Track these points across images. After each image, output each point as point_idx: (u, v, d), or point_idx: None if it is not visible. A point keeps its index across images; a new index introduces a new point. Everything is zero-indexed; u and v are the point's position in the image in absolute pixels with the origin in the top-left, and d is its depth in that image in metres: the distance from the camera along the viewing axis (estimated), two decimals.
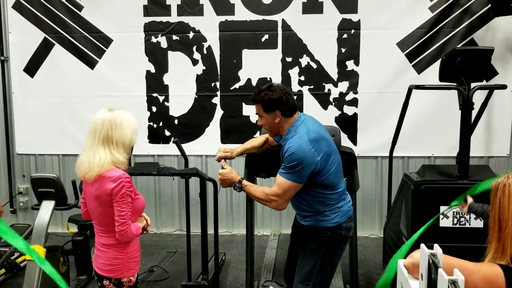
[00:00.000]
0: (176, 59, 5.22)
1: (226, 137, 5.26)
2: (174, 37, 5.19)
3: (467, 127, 3.52)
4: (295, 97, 2.66)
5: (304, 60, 5.10)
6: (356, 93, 5.09)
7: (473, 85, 3.49)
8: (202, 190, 3.58)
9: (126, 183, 2.15)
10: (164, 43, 5.21)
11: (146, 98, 5.30)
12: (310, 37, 5.07)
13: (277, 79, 5.08)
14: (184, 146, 4.05)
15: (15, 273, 4.06)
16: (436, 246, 1.28)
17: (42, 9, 5.25)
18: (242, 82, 5.19)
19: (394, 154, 4.36)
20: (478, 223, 3.26)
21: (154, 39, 5.21)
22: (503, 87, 3.80)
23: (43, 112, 5.38)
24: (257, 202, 2.67)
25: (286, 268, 3.12)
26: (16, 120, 5.47)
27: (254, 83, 5.15)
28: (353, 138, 5.16)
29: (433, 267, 1.22)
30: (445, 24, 4.92)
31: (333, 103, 5.13)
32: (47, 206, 3.36)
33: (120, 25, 5.19)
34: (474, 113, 3.71)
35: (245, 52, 5.15)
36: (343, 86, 5.10)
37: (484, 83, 4.26)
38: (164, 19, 5.17)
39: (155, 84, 5.28)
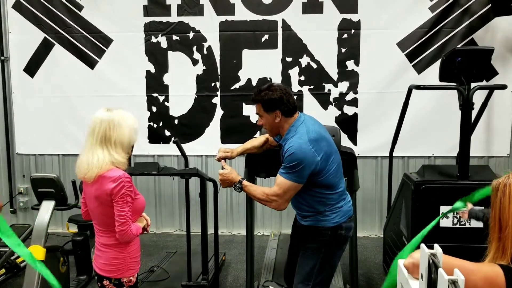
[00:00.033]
0: (176, 59, 5.22)
1: (226, 137, 5.26)
2: (174, 37, 5.19)
3: (467, 127, 3.52)
4: (295, 97, 2.66)
5: (304, 60, 5.10)
6: (356, 93, 5.09)
7: (473, 85, 3.49)
8: (202, 190, 3.58)
9: (126, 183, 2.15)
10: (164, 43, 5.21)
11: (146, 98, 5.30)
12: (310, 37, 5.07)
13: (277, 79, 5.08)
14: (184, 146, 4.05)
15: (15, 273, 4.06)
16: (436, 246, 1.28)
17: (42, 9, 5.25)
18: (242, 82, 5.19)
19: (394, 154, 4.36)
20: (478, 223, 3.26)
21: (154, 39, 5.21)
22: (503, 87, 3.80)
23: (43, 112, 5.38)
24: (258, 202, 2.67)
25: (286, 268, 3.12)
26: (16, 120, 5.48)
27: (254, 83, 5.15)
28: (353, 138, 5.16)
29: (433, 267, 1.22)
30: (445, 24, 4.92)
31: (333, 103, 5.13)
32: (47, 206, 3.36)
33: (120, 25, 5.19)
34: (474, 113, 3.71)
35: (245, 52, 5.15)
36: (343, 86, 5.10)
37: (484, 83, 4.26)
38: (164, 19, 5.17)
39: (155, 84, 5.28)
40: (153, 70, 5.26)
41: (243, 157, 3.24)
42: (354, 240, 3.26)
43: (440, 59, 3.73)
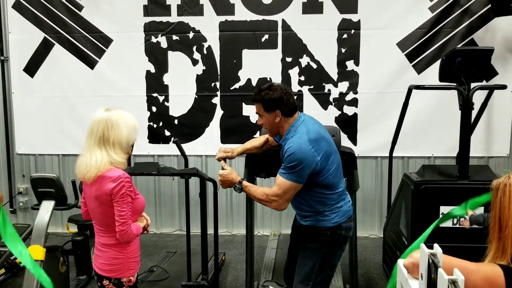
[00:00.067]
0: (176, 59, 5.22)
1: (226, 137, 5.26)
2: (174, 37, 5.19)
3: (467, 127, 3.52)
4: (295, 97, 2.66)
5: (304, 60, 5.10)
6: (356, 93, 5.09)
7: (473, 85, 3.50)
8: (202, 190, 3.58)
9: (126, 183, 2.15)
10: (164, 43, 5.21)
11: (146, 98, 5.30)
12: (310, 37, 5.07)
13: (277, 79, 5.08)
14: (184, 146, 4.05)
15: (15, 273, 4.06)
16: (436, 246, 1.28)
17: (42, 9, 5.25)
18: (242, 82, 5.19)
19: (394, 154, 4.37)
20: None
21: (154, 39, 5.21)
22: (503, 87, 3.80)
23: (43, 112, 5.38)
24: (258, 202, 2.67)
25: (286, 268, 3.12)
26: (16, 120, 5.47)
27: (254, 83, 5.15)
28: (353, 138, 5.16)
29: (433, 267, 1.22)
30: (445, 24, 4.92)
31: (333, 103, 5.13)
32: (47, 206, 3.36)
33: (120, 25, 5.19)
34: (474, 113, 3.71)
35: (245, 52, 5.15)
36: (343, 86, 5.10)
37: (484, 83, 4.26)
38: (164, 19, 5.17)
39: (155, 84, 5.28)
40: (153, 70, 5.26)
41: (243, 157, 3.24)
42: (354, 240, 3.26)
43: (440, 59, 3.73)
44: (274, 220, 5.40)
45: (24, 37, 5.32)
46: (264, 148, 2.99)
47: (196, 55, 5.20)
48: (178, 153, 4.06)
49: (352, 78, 5.08)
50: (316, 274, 2.61)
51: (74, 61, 5.28)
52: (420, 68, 4.99)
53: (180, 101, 5.28)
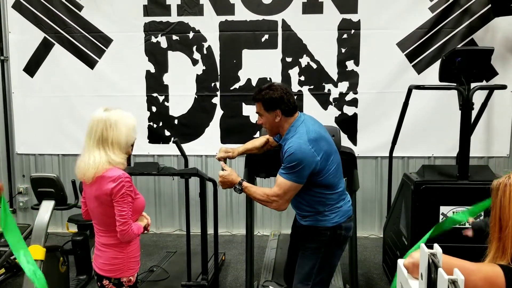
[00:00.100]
0: (176, 59, 5.22)
1: (226, 137, 5.26)
2: (174, 37, 5.19)
3: (467, 127, 3.52)
4: (295, 97, 2.66)
5: (304, 60, 5.10)
6: (356, 93, 5.09)
7: (473, 85, 3.49)
8: (202, 190, 3.58)
9: (126, 183, 2.15)
10: (164, 43, 5.21)
11: (146, 98, 5.30)
12: (310, 37, 5.07)
13: (277, 79, 5.08)
14: (184, 146, 4.04)
15: (14, 272, 4.06)
16: (436, 245, 1.28)
17: (42, 8, 5.25)
18: (242, 82, 5.19)
19: (394, 154, 4.37)
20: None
21: (154, 39, 5.21)
22: (503, 87, 3.80)
23: (43, 112, 5.38)
24: (258, 203, 2.67)
25: (285, 268, 3.12)
26: (16, 120, 5.47)
27: (254, 83, 5.15)
28: (353, 138, 5.16)
29: (433, 266, 1.22)
30: (445, 24, 4.92)
31: (333, 103, 5.13)
32: (47, 206, 3.36)
33: (120, 25, 5.19)
34: (474, 113, 3.71)
35: (245, 52, 5.15)
36: (343, 86, 5.10)
37: (484, 83, 4.26)
38: (164, 19, 5.17)
39: (155, 84, 5.28)
40: (153, 70, 5.26)
41: (243, 157, 3.25)
42: (354, 240, 3.26)
43: (440, 59, 3.73)
44: (274, 220, 5.40)
45: (24, 37, 5.32)
46: (264, 148, 3.00)
47: (196, 55, 5.20)
48: (178, 153, 4.06)
49: (352, 78, 5.08)
50: (316, 274, 2.61)
51: (74, 61, 5.28)
52: (420, 68, 4.99)
53: (180, 101, 5.28)
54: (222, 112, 5.25)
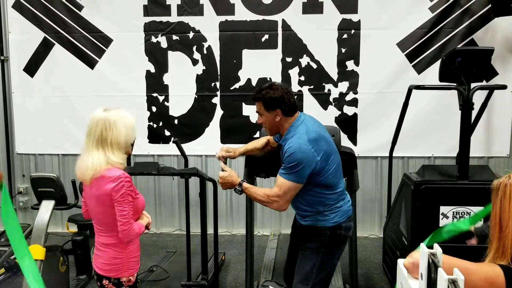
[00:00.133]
0: (176, 59, 5.22)
1: (226, 137, 5.26)
2: (174, 37, 5.19)
3: (467, 127, 3.52)
4: (295, 97, 2.66)
5: (304, 60, 5.10)
6: (356, 93, 5.09)
7: (473, 85, 3.49)
8: (202, 190, 3.58)
9: (126, 183, 2.15)
10: (164, 43, 5.21)
11: (146, 98, 5.30)
12: (310, 37, 5.07)
13: (277, 79, 5.08)
14: (184, 146, 4.04)
15: (14, 272, 4.06)
16: (436, 245, 1.28)
17: (42, 8, 5.25)
18: (242, 82, 5.19)
19: (394, 154, 4.37)
20: (477, 223, 3.26)
21: (154, 39, 5.21)
22: (503, 87, 3.80)
23: (43, 111, 5.38)
24: (259, 203, 2.67)
25: (285, 268, 3.12)
26: (16, 120, 5.47)
27: (254, 83, 5.15)
28: (353, 138, 5.15)
29: (432, 266, 1.22)
30: (445, 24, 4.91)
31: (333, 103, 5.13)
32: (47, 205, 3.36)
33: (120, 25, 5.19)
34: (474, 113, 3.71)
35: (245, 52, 5.15)
36: (343, 86, 5.10)
37: (484, 83, 4.26)
38: (164, 19, 5.17)
39: (155, 84, 5.28)
40: (153, 70, 5.26)
41: (243, 157, 3.24)
42: (353, 240, 3.26)
43: (440, 59, 3.73)
44: (274, 220, 5.40)
45: (24, 37, 5.32)
46: (265, 149, 3.00)
47: (196, 55, 5.20)
48: (178, 153, 4.06)
49: (352, 78, 5.08)
50: (316, 274, 2.61)
51: (74, 61, 5.28)
52: (420, 68, 4.99)
53: (180, 101, 5.28)
54: (222, 112, 5.25)
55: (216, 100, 5.24)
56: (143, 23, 5.19)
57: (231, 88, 5.21)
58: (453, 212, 3.32)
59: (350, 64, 5.07)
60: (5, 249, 3.63)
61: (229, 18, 5.10)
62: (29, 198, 5.52)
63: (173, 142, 3.77)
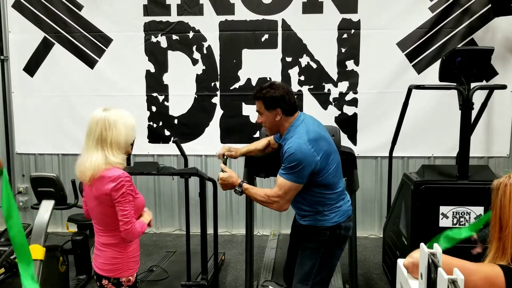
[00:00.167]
0: (176, 58, 5.22)
1: (226, 137, 5.25)
2: (174, 37, 5.19)
3: (467, 127, 3.52)
4: (295, 96, 2.66)
5: (304, 60, 5.10)
6: (356, 93, 5.09)
7: (473, 85, 3.49)
8: (201, 190, 3.58)
9: (126, 182, 2.14)
10: (164, 43, 5.21)
11: (146, 98, 5.30)
12: (310, 37, 5.06)
13: (277, 79, 5.07)
14: (183, 146, 4.04)
15: (14, 272, 4.05)
16: (435, 245, 1.28)
17: (42, 8, 5.24)
18: (242, 82, 5.19)
19: (394, 154, 4.36)
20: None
21: (154, 39, 5.21)
22: (503, 87, 3.80)
23: (42, 111, 5.38)
24: (259, 204, 2.67)
25: (285, 268, 3.12)
26: (16, 120, 5.47)
27: (254, 83, 5.14)
28: (353, 138, 5.15)
29: (432, 266, 1.22)
30: (445, 24, 4.91)
31: (333, 103, 5.13)
32: (47, 205, 3.36)
33: (120, 25, 5.19)
34: (474, 113, 3.71)
35: (245, 52, 5.15)
36: (343, 86, 5.10)
37: (484, 83, 4.26)
38: (164, 18, 5.17)
39: (155, 84, 5.27)
40: (152, 70, 5.26)
41: (243, 156, 3.24)
42: (353, 240, 3.26)
43: (440, 59, 3.73)
44: (274, 220, 5.40)
45: (24, 36, 5.32)
46: (266, 151, 3.00)
47: (196, 55, 5.20)
48: (178, 152, 4.06)
49: (352, 78, 5.08)
50: (316, 273, 2.61)
51: (74, 60, 5.28)
52: (420, 68, 4.99)
53: (180, 101, 5.28)
54: (222, 112, 5.25)
55: (216, 100, 5.24)
56: (143, 23, 5.18)
57: (231, 88, 5.21)
58: (453, 212, 3.32)
59: (350, 64, 5.07)
60: (5, 249, 3.63)
61: (229, 18, 5.10)
62: (29, 198, 5.52)
63: (173, 142, 3.76)
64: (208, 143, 5.23)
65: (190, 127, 5.29)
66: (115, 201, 2.13)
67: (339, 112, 5.13)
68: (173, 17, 5.16)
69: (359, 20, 4.99)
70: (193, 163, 5.19)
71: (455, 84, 3.56)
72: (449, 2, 4.87)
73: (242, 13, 5.07)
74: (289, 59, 5.11)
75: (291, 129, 2.56)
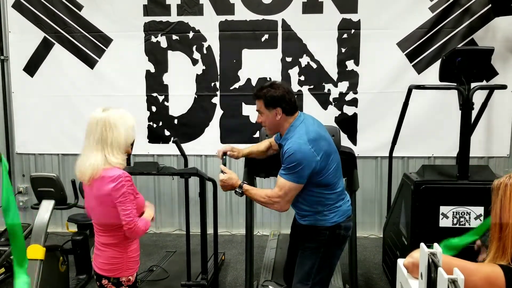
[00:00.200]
0: (176, 58, 5.22)
1: (226, 137, 5.25)
2: (174, 37, 5.19)
3: (467, 127, 3.52)
4: (295, 96, 2.66)
5: (304, 60, 5.10)
6: (356, 93, 5.09)
7: (473, 85, 3.49)
8: (201, 189, 3.58)
9: (126, 182, 2.14)
10: (164, 43, 5.20)
11: (145, 98, 5.30)
12: (310, 37, 5.06)
13: (277, 79, 5.06)
14: (183, 146, 4.04)
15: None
16: (435, 245, 1.28)
17: (42, 8, 5.24)
18: (242, 82, 5.19)
19: (394, 154, 4.36)
20: (478, 224, 3.26)
21: (154, 39, 5.21)
22: (503, 87, 3.80)
23: (43, 111, 5.38)
24: (260, 204, 2.67)
25: (285, 267, 3.12)
26: (16, 120, 5.47)
27: (254, 83, 5.14)
28: (353, 138, 5.15)
29: (432, 266, 1.22)
30: (445, 24, 4.91)
31: (333, 103, 5.13)
32: (47, 205, 3.36)
33: (120, 25, 5.19)
34: (474, 113, 3.71)
35: (245, 52, 5.14)
36: (343, 86, 5.10)
37: (484, 83, 4.26)
38: (164, 18, 5.16)
39: (155, 84, 5.27)
40: (152, 70, 5.26)
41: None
42: (353, 240, 3.26)
43: (440, 59, 3.73)
44: (274, 220, 5.40)
45: (24, 36, 5.31)
46: (268, 153, 3.00)
47: (196, 55, 5.20)
48: (178, 152, 4.06)
49: (352, 78, 5.08)
50: (315, 273, 2.61)
51: (74, 60, 5.27)
52: (420, 68, 4.99)
53: (180, 101, 5.27)
54: (222, 112, 5.25)
55: (216, 100, 5.24)
56: (143, 23, 5.18)
57: (231, 88, 5.20)
58: (453, 212, 3.32)
59: (350, 64, 5.07)
60: (5, 248, 3.63)
61: (229, 18, 5.10)
62: (29, 198, 5.52)
63: (173, 142, 3.76)
64: (208, 143, 5.23)
65: (190, 127, 5.29)
66: (116, 201, 2.13)
67: (339, 112, 5.13)
68: (173, 17, 5.15)
69: (359, 20, 4.98)
70: (193, 163, 5.19)
71: (455, 84, 3.56)
72: (449, 2, 4.87)
73: (242, 13, 5.07)
74: (289, 59, 5.11)
75: (291, 129, 2.56)
